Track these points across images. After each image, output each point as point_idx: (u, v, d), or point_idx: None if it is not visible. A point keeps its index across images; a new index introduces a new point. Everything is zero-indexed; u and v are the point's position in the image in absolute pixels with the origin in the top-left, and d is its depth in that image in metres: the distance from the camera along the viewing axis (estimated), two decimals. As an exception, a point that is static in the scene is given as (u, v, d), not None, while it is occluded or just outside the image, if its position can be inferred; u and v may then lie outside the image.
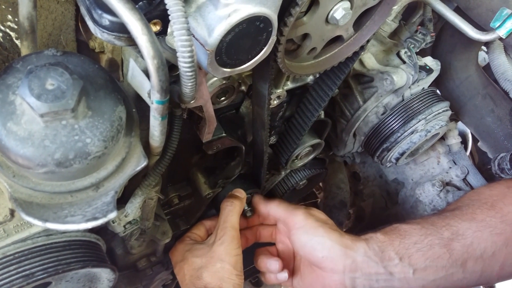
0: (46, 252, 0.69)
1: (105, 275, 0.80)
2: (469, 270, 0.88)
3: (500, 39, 1.00)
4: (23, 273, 0.66)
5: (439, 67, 1.10)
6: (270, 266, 0.99)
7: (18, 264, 0.66)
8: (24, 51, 0.62)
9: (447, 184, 1.27)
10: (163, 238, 0.99)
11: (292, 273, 1.01)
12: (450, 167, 1.28)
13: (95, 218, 0.56)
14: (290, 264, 1.01)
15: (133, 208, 0.78)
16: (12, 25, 0.66)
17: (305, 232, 0.92)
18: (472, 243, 0.87)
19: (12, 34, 0.67)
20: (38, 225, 0.54)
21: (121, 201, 0.78)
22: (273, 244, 1.07)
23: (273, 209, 1.00)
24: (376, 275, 0.89)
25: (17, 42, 0.68)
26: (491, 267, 0.88)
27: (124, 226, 0.84)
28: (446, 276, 0.88)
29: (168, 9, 0.47)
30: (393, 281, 0.89)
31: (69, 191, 0.58)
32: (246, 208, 1.08)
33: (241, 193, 1.05)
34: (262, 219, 1.08)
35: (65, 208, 0.57)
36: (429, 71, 1.06)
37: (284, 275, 0.99)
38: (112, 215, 0.56)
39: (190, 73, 0.52)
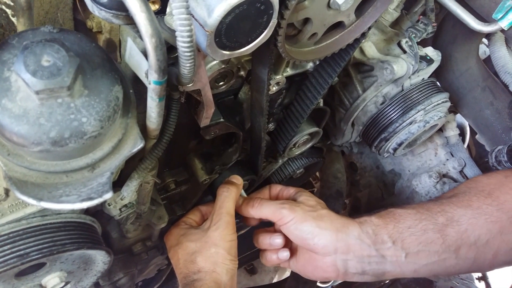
0: (41, 233, 0.68)
1: (100, 258, 0.80)
2: (462, 256, 0.89)
3: (502, 30, 1.00)
4: (18, 253, 0.66)
5: (440, 57, 1.09)
6: (273, 241, 0.99)
7: (13, 244, 0.66)
8: (20, 28, 0.61)
9: (444, 176, 1.27)
10: (159, 223, 0.98)
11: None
12: (447, 159, 1.28)
13: (90, 198, 0.55)
14: (288, 244, 1.02)
15: (129, 191, 0.77)
16: (9, 1, 0.65)
17: (293, 225, 0.92)
18: (467, 230, 0.87)
19: (8, 11, 0.66)
20: (33, 204, 0.54)
21: (118, 184, 0.78)
22: (272, 225, 1.07)
23: (258, 212, 0.99)
24: (368, 257, 0.89)
25: (13, 19, 0.67)
26: (484, 254, 0.89)
27: (120, 209, 0.84)
28: (439, 261, 0.89)
29: (167, -13, 0.47)
30: (385, 264, 0.89)
31: (64, 171, 0.57)
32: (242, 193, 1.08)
33: (237, 179, 1.05)
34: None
35: (60, 188, 0.56)
36: (429, 61, 1.05)
37: (286, 253, 0.99)
38: (108, 195, 0.56)
39: (189, 54, 0.52)
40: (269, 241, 1.00)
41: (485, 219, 0.87)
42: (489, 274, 1.94)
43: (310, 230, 0.91)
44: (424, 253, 0.88)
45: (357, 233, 0.89)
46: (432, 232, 0.88)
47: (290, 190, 1.06)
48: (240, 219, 1.17)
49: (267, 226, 1.07)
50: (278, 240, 0.99)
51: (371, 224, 0.90)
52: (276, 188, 1.08)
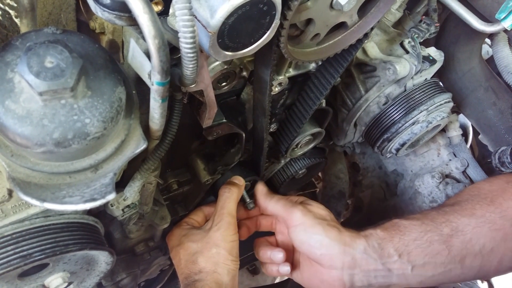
0: (44, 234, 0.68)
1: (103, 258, 0.80)
2: (467, 266, 0.88)
3: (505, 31, 1.00)
4: (21, 254, 0.66)
5: (443, 58, 1.09)
6: (273, 257, 0.98)
7: (16, 244, 0.66)
8: (24, 29, 0.61)
9: (447, 176, 1.27)
10: (161, 223, 0.99)
11: (292, 265, 1.00)
12: (450, 159, 1.28)
13: (94, 199, 0.55)
14: (290, 255, 1.01)
15: (132, 192, 0.77)
16: (12, 3, 0.65)
17: (303, 229, 0.92)
18: (471, 239, 0.87)
19: (12, 12, 0.66)
20: (36, 205, 0.54)
21: (120, 184, 0.78)
22: (272, 233, 1.07)
23: (271, 206, 0.99)
24: (374, 271, 0.89)
25: (17, 20, 0.67)
26: (490, 262, 0.89)
27: (123, 210, 0.84)
28: (445, 272, 0.88)
29: (170, -12, 0.47)
30: (392, 277, 0.89)
31: (67, 172, 0.57)
32: (248, 200, 1.07)
33: (239, 180, 1.05)
34: (262, 211, 1.08)
35: (64, 189, 0.57)
36: (432, 61, 1.05)
37: (287, 268, 0.98)
38: (111, 196, 0.56)
39: (192, 55, 0.52)
40: (270, 256, 0.99)
41: (489, 227, 0.87)
42: (492, 274, 1.93)
43: (319, 239, 0.90)
44: (430, 265, 0.88)
45: (363, 247, 0.88)
46: (437, 243, 0.87)
47: (294, 199, 1.04)
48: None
49: (267, 234, 1.06)
50: (279, 256, 0.98)
51: (376, 238, 0.90)
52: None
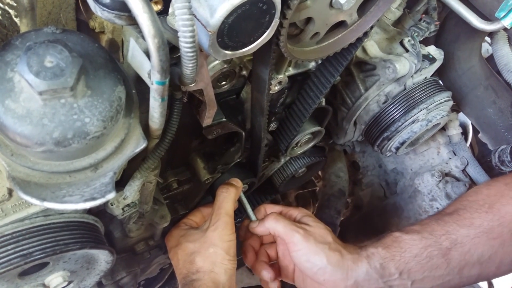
0: (44, 233, 0.69)
1: (103, 257, 0.80)
2: (465, 275, 0.90)
3: (505, 29, 1.00)
4: (21, 253, 0.66)
5: (442, 56, 1.09)
6: (263, 276, 0.98)
7: (16, 243, 0.66)
8: (23, 29, 0.61)
9: (446, 174, 1.27)
10: (161, 222, 0.99)
11: (295, 275, 0.99)
12: (450, 158, 1.28)
13: (93, 199, 0.56)
14: (290, 269, 0.99)
15: (131, 191, 0.77)
16: (12, 2, 0.65)
17: (304, 255, 0.91)
18: (470, 250, 0.89)
19: (11, 11, 0.66)
20: (36, 204, 0.54)
21: (120, 183, 0.78)
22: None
23: (272, 226, 0.97)
24: None
25: (16, 20, 0.67)
26: (488, 268, 0.90)
27: (123, 209, 0.84)
28: (443, 283, 0.90)
29: (169, -13, 0.47)
30: None
31: (67, 171, 0.57)
32: (254, 219, 1.03)
33: (237, 182, 1.05)
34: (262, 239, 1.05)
35: (63, 188, 0.57)
36: (432, 60, 1.05)
37: (274, 287, 0.98)
38: (111, 195, 0.56)
39: (191, 54, 0.52)
40: (261, 273, 0.98)
41: (487, 236, 0.88)
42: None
43: (321, 266, 0.89)
44: (429, 278, 0.90)
45: (365, 270, 0.89)
46: (436, 258, 0.89)
47: (294, 214, 1.02)
48: (241, 218, 1.17)
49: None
50: (266, 275, 0.97)
51: (378, 258, 0.90)
52: (275, 210, 1.04)
